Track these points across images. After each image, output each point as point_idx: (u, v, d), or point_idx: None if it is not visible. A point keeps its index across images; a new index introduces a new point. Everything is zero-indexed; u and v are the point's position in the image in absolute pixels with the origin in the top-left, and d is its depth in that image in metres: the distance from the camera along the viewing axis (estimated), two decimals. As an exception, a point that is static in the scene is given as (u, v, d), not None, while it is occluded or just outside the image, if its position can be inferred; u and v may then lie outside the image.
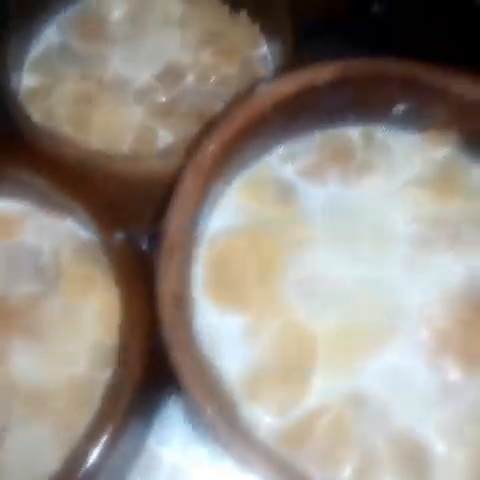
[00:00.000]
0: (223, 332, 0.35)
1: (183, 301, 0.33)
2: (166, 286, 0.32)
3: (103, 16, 0.51)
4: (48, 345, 0.38)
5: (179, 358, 0.31)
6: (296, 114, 0.38)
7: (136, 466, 0.40)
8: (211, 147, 0.34)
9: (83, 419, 0.34)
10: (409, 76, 0.38)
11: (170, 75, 0.49)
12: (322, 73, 0.37)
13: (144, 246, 0.39)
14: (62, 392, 0.37)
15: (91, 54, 0.49)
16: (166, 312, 0.32)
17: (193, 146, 0.34)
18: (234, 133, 0.35)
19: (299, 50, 0.47)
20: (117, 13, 0.51)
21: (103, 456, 0.32)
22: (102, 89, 0.47)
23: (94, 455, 0.32)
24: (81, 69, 0.48)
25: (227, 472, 0.33)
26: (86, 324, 0.39)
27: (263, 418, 0.34)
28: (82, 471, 0.32)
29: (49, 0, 0.49)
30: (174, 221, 0.32)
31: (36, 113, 0.45)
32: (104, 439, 0.32)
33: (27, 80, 0.47)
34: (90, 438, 0.32)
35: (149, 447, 0.40)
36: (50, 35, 0.49)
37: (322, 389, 0.34)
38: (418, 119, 0.41)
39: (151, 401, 0.38)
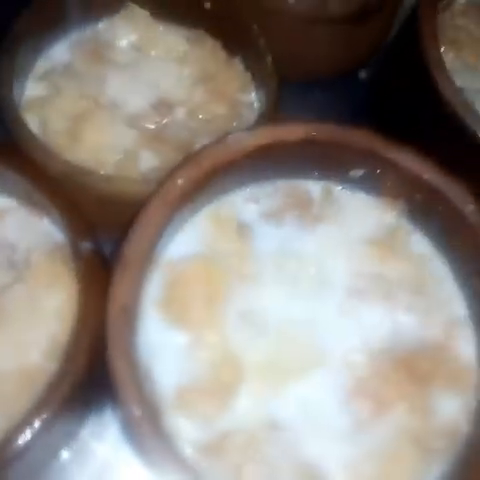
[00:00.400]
0: (165, 346, 0.39)
1: (130, 313, 0.36)
2: (116, 298, 0.36)
3: (110, 42, 0.55)
4: (7, 332, 0.42)
5: (116, 363, 0.35)
6: (263, 164, 0.43)
7: (67, 455, 0.43)
8: (180, 181, 0.38)
9: (27, 405, 0.38)
10: (367, 147, 0.43)
11: (163, 106, 0.53)
12: (292, 132, 0.41)
13: (108, 257, 0.43)
14: (12, 377, 0.40)
15: (93, 75, 0.53)
16: (112, 320, 0.36)
17: (165, 178, 0.39)
18: (204, 173, 0.39)
19: (281, 102, 0.52)
20: (124, 42, 0.56)
21: (33, 439, 0.35)
22: (97, 109, 0.51)
23: (23, 438, 0.35)
24: (81, 88, 0.52)
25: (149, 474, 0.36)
26: (45, 318, 0.42)
27: (186, 428, 0.38)
28: (9, 451, 0.35)
29: (62, 21, 0.53)
30: (133, 242, 0.37)
31: (33, 122, 0.49)
32: (35, 425, 0.36)
33: (29, 91, 0.51)
34: (23, 422, 0.36)
35: (83, 439, 0.43)
36: (58, 53, 0.54)
37: (243, 410, 0.38)
38: (372, 185, 0.45)
39: (89, 397, 0.41)
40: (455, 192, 0.42)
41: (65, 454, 0.43)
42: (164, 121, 0.53)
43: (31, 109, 0.50)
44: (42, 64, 0.53)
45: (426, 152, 0.43)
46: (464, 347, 0.42)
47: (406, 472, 0.38)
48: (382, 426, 0.39)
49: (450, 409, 0.40)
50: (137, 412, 0.34)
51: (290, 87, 0.55)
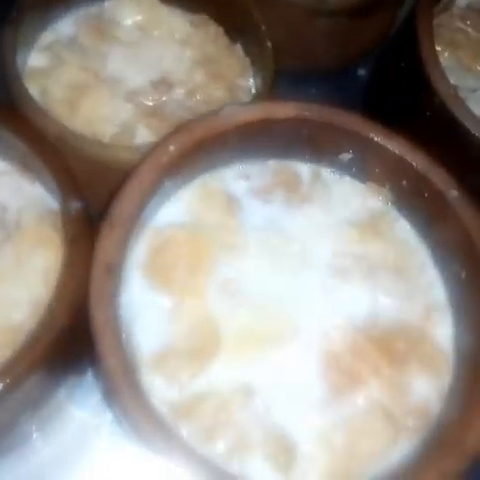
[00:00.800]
0: (146, 308, 0.40)
1: (114, 272, 0.37)
2: (101, 255, 0.37)
3: (115, 20, 0.57)
4: (-7, 289, 0.42)
5: (96, 317, 0.35)
6: (255, 141, 0.44)
7: (39, 415, 0.43)
8: (171, 147, 0.39)
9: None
10: (358, 130, 0.44)
11: (162, 84, 0.54)
12: (281, 109, 0.42)
13: (97, 220, 0.43)
14: (-3, 331, 0.41)
15: (96, 50, 0.54)
16: (96, 278, 0.36)
17: (156, 143, 0.40)
18: (195, 141, 0.40)
19: (278, 92, 0.53)
20: (129, 21, 0.57)
21: (2, 394, 0.36)
22: (98, 82, 0.52)
23: None
24: (83, 61, 0.53)
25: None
26: (31, 278, 0.43)
27: (162, 388, 0.38)
28: None
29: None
30: (121, 203, 0.37)
31: (34, 89, 0.50)
32: (7, 378, 0.36)
33: (33, 60, 0.53)
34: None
35: (59, 401, 0.44)
36: (64, 26, 0.55)
37: (218, 375, 0.39)
38: (361, 169, 0.46)
39: (69, 356, 0.42)
40: (440, 178, 0.43)
41: (41, 413, 0.43)
42: (162, 98, 0.54)
43: (34, 78, 0.51)
44: (47, 35, 0.54)
45: (415, 140, 0.44)
46: (441, 331, 0.43)
47: (375, 445, 0.38)
48: (355, 400, 0.40)
49: (423, 389, 0.41)
50: (113, 364, 0.34)
51: (288, 78, 0.56)
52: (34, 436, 0.45)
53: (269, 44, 0.53)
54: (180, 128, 0.41)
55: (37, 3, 0.53)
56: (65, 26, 0.55)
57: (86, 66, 0.53)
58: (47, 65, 0.53)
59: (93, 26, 0.56)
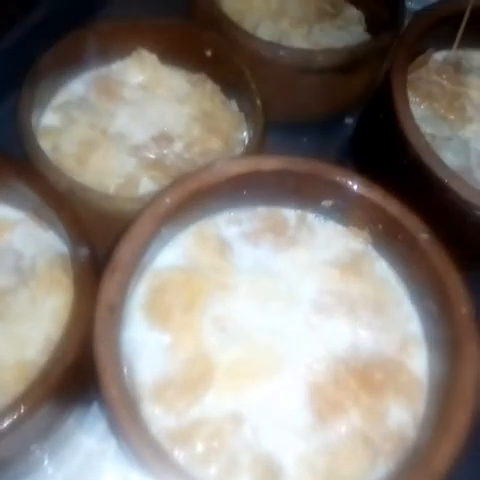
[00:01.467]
0: (146, 344, 0.44)
1: (116, 311, 0.42)
2: (104, 297, 0.41)
3: (121, 80, 0.62)
4: (10, 328, 0.47)
5: (100, 352, 0.39)
6: (244, 190, 0.49)
7: (50, 443, 0.47)
8: (167, 200, 0.44)
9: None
10: (337, 180, 0.49)
11: (163, 139, 0.60)
12: (267, 162, 0.47)
13: (103, 264, 0.48)
14: (11, 367, 0.45)
15: (104, 108, 0.60)
16: (99, 317, 0.41)
17: (155, 196, 0.45)
18: (189, 193, 0.45)
19: (270, 142, 0.59)
20: (133, 81, 0.63)
21: (16, 423, 0.40)
22: (105, 138, 0.57)
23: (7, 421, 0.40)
24: (92, 119, 0.58)
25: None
26: (43, 318, 0.47)
27: (160, 417, 0.42)
28: None
29: (79, 61, 0.61)
30: (122, 249, 0.42)
31: (47, 145, 0.55)
32: (23, 407, 0.40)
33: (46, 118, 0.58)
34: (9, 407, 0.40)
35: (68, 429, 0.48)
36: (75, 87, 0.61)
37: (211, 404, 0.43)
38: (342, 214, 0.51)
39: (77, 389, 0.46)
40: (412, 223, 0.47)
41: (52, 440, 0.47)
42: (163, 152, 0.59)
43: (47, 135, 0.56)
44: (60, 96, 0.60)
45: (394, 188, 0.49)
46: (416, 362, 0.47)
47: (355, 469, 0.42)
48: (336, 427, 0.43)
49: (399, 416, 0.44)
50: (115, 395, 0.38)
51: (281, 128, 0.61)
52: (45, 462, 0.49)
53: (259, 101, 0.59)
54: (176, 182, 0.46)
55: (52, 66, 0.59)
56: (76, 87, 0.61)
57: (95, 123, 0.58)
58: (59, 123, 0.58)
59: (101, 86, 0.61)
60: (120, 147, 0.58)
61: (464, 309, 0.44)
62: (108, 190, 0.55)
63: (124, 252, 0.42)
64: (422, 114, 0.60)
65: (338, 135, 0.72)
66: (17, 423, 0.40)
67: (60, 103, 0.60)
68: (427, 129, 0.58)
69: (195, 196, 0.46)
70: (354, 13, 0.76)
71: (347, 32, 0.73)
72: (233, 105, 0.63)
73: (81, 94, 0.61)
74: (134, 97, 0.62)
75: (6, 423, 0.40)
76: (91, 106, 0.60)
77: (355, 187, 0.48)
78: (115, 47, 0.63)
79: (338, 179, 0.49)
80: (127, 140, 0.59)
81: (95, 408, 0.50)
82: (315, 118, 0.70)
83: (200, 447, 0.41)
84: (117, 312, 0.42)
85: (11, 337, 0.47)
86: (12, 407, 0.41)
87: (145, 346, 0.44)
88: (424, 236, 0.46)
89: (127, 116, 0.61)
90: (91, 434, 0.50)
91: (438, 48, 0.66)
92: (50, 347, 0.45)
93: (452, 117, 0.62)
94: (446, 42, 0.65)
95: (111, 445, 0.50)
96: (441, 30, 0.63)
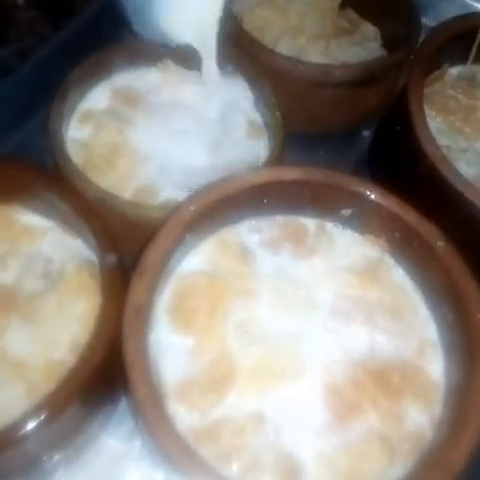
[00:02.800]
0: (171, 346, 0.46)
1: (144, 314, 0.43)
2: (132, 299, 0.43)
3: (147, 90, 0.65)
4: (39, 330, 0.49)
5: (128, 352, 0.41)
6: (264, 200, 0.51)
7: (76, 445, 0.49)
8: (192, 207, 0.46)
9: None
10: (355, 190, 0.50)
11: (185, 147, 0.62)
12: (287, 172, 0.49)
13: (129, 270, 0.50)
14: (40, 368, 0.47)
15: (128, 117, 0.62)
16: (128, 318, 0.43)
17: (180, 203, 0.47)
18: (212, 202, 0.47)
19: (289, 154, 0.60)
20: (158, 90, 0.65)
21: (41, 426, 0.41)
22: (130, 144, 0.60)
23: (32, 424, 0.41)
24: (118, 126, 0.61)
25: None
26: (72, 320, 0.49)
27: (184, 416, 0.44)
28: (17, 435, 0.41)
29: (107, 73, 0.64)
30: (150, 254, 0.44)
31: (76, 153, 0.57)
32: (44, 412, 0.42)
33: (75, 128, 0.61)
34: (32, 410, 0.42)
35: (93, 432, 0.49)
36: (102, 96, 0.63)
37: (234, 404, 0.44)
38: (359, 223, 0.53)
39: (103, 388, 0.48)
40: (428, 231, 0.49)
41: (76, 442, 0.49)
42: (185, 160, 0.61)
43: (75, 144, 0.59)
44: (87, 105, 0.62)
45: (410, 198, 0.50)
46: (433, 366, 0.48)
47: (374, 468, 0.43)
48: (355, 427, 0.45)
49: (417, 418, 0.46)
50: (143, 393, 0.40)
51: (298, 141, 0.63)
52: (68, 464, 0.50)
53: (278, 114, 0.61)
54: (200, 191, 0.48)
55: (80, 80, 0.61)
56: (103, 96, 0.63)
57: (120, 131, 0.61)
58: (87, 130, 0.61)
59: (127, 96, 0.64)
60: (143, 153, 0.60)
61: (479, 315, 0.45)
62: (132, 192, 0.57)
63: (152, 257, 0.44)
64: (438, 127, 0.62)
65: (354, 147, 0.74)
66: (45, 423, 0.42)
67: (88, 112, 0.62)
68: (443, 141, 0.59)
69: (218, 204, 0.48)
70: (370, 30, 0.78)
71: (363, 48, 0.75)
72: (254, 117, 0.65)
73: (107, 103, 0.64)
74: (159, 106, 0.64)
75: (34, 423, 0.41)
76: (117, 114, 0.62)
77: (372, 196, 0.50)
78: (141, 61, 0.66)
79: (356, 189, 0.50)
80: (151, 148, 0.61)
81: (120, 410, 0.52)
82: (332, 131, 0.72)
83: (223, 445, 0.43)
84: (144, 313, 0.43)
85: (40, 339, 0.48)
86: (42, 404, 0.42)
87: (170, 348, 0.46)
88: (440, 244, 0.48)
89: (151, 124, 0.63)
90: (115, 435, 0.52)
91: (453, 63, 0.68)
92: (77, 349, 0.46)
93: (468, 130, 0.63)
94: (461, 57, 0.67)
95: (135, 446, 0.51)
96: (456, 46, 0.65)
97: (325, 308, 0.50)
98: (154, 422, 0.40)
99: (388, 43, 0.76)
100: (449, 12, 0.86)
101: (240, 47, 0.66)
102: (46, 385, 0.45)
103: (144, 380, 0.41)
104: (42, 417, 0.42)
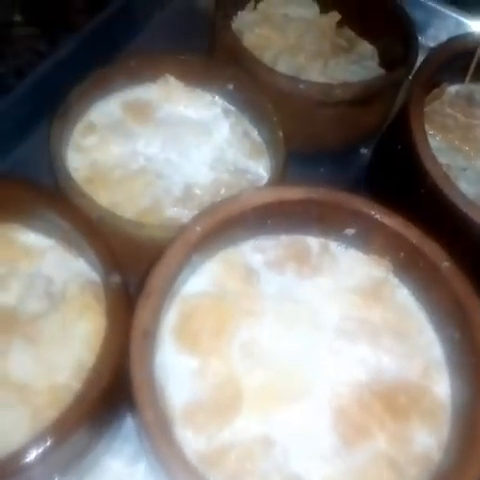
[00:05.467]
0: (177, 368, 0.46)
1: (150, 336, 0.43)
2: (139, 322, 0.43)
3: (149, 105, 0.65)
4: (42, 352, 0.48)
5: (136, 375, 0.41)
6: (269, 219, 0.50)
7: (80, 468, 0.48)
8: (198, 228, 0.46)
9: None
10: (359, 210, 0.50)
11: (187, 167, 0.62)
12: (291, 192, 0.49)
13: (133, 291, 0.49)
14: (44, 391, 0.46)
15: (132, 131, 0.62)
16: (135, 342, 0.42)
17: (185, 224, 0.46)
18: (218, 222, 0.47)
19: (290, 172, 0.61)
20: (160, 105, 0.65)
21: (46, 453, 0.40)
22: (134, 160, 0.60)
23: (36, 451, 0.40)
24: (121, 141, 0.61)
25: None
26: (75, 343, 0.48)
27: (191, 440, 0.43)
28: (19, 463, 0.40)
29: (110, 88, 0.64)
30: (156, 276, 0.44)
31: (80, 171, 0.57)
32: (48, 440, 0.41)
33: (77, 140, 0.61)
34: (37, 437, 0.41)
35: (97, 455, 0.49)
36: (104, 111, 0.63)
37: (241, 427, 0.44)
38: (363, 242, 0.53)
39: (110, 411, 0.47)
40: (433, 251, 0.49)
41: (81, 465, 0.48)
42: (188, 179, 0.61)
43: (79, 155, 0.59)
44: (90, 120, 0.62)
45: (411, 216, 0.51)
46: (439, 387, 0.48)
47: (382, 492, 0.43)
48: (363, 450, 0.44)
49: (424, 440, 0.45)
50: (150, 417, 0.40)
51: (299, 159, 0.63)
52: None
53: (281, 133, 0.61)
54: (205, 211, 0.48)
55: (81, 98, 0.61)
56: (106, 109, 0.63)
57: (124, 146, 0.60)
58: (90, 144, 0.60)
59: (131, 110, 0.64)
60: (148, 170, 0.60)
61: (486, 335, 0.45)
62: (136, 211, 0.57)
63: (158, 278, 0.44)
64: (437, 145, 0.62)
65: (354, 165, 0.74)
66: (50, 450, 0.41)
67: (90, 126, 0.62)
68: (442, 160, 0.60)
69: (223, 225, 0.48)
70: (367, 48, 0.78)
71: (361, 66, 0.76)
72: (255, 136, 0.65)
73: (110, 118, 0.64)
74: (159, 122, 0.64)
75: (39, 450, 0.41)
76: (120, 128, 0.62)
77: (377, 216, 0.50)
78: (141, 78, 0.66)
79: (360, 208, 0.50)
80: (155, 163, 0.61)
81: (124, 431, 0.51)
82: (331, 148, 0.72)
83: (231, 469, 0.42)
84: (151, 336, 0.43)
85: (43, 361, 0.48)
86: (47, 431, 0.41)
87: (175, 370, 0.45)
88: (446, 264, 0.48)
89: (153, 139, 0.63)
90: (120, 457, 0.51)
91: (451, 82, 0.68)
92: (82, 372, 0.46)
93: (467, 148, 0.64)
94: (459, 76, 0.68)
95: (139, 469, 0.50)
96: (454, 65, 0.66)
97: (330, 329, 0.49)
98: (161, 447, 0.40)
99: (385, 61, 0.77)
100: (443, 30, 0.88)
101: (240, 66, 0.66)
102: (50, 410, 0.44)
103: (151, 404, 0.40)
104: (47, 444, 0.41)
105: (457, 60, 0.66)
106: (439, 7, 0.87)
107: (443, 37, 0.78)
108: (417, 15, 0.78)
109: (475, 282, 0.48)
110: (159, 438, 0.40)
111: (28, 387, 0.46)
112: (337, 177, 0.72)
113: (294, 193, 0.49)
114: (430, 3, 0.87)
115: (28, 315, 0.50)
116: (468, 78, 0.68)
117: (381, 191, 0.65)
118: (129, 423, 0.50)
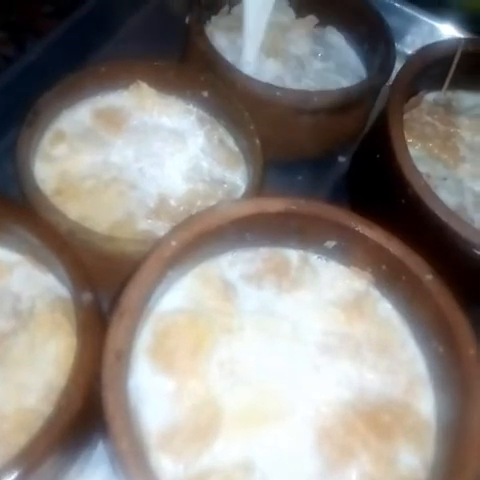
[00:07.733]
0: (152, 391, 0.43)
1: (124, 357, 0.41)
2: (112, 342, 0.40)
3: (119, 113, 0.63)
4: (8, 373, 0.45)
5: (109, 402, 0.38)
6: (247, 232, 0.49)
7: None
8: (173, 243, 0.44)
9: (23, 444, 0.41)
10: (340, 221, 0.49)
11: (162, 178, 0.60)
12: (270, 204, 0.47)
13: (106, 309, 0.47)
14: (10, 417, 0.44)
15: (102, 140, 0.60)
16: (107, 364, 0.40)
17: (160, 239, 0.44)
18: (194, 236, 0.45)
19: (268, 181, 0.59)
20: (131, 113, 0.63)
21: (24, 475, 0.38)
22: (105, 170, 0.57)
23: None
24: (91, 150, 0.58)
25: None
26: (44, 364, 0.46)
27: (168, 467, 0.41)
28: None
29: (79, 96, 0.61)
30: (129, 294, 0.42)
31: (48, 178, 0.55)
32: (16, 469, 0.38)
33: (47, 149, 0.58)
34: (12, 461, 0.38)
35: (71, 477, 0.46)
36: (73, 119, 0.61)
37: (221, 451, 0.42)
38: (344, 255, 0.51)
39: (82, 435, 0.45)
40: (415, 263, 0.47)
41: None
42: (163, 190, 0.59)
43: (47, 165, 0.56)
44: (59, 128, 0.60)
45: (391, 227, 0.49)
46: (423, 403, 0.46)
47: (367, 516, 0.41)
48: (347, 472, 0.43)
49: (409, 460, 0.44)
50: (124, 446, 0.37)
51: (276, 167, 0.62)
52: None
53: (258, 141, 0.59)
54: (180, 225, 0.45)
55: (50, 106, 0.59)
56: (76, 117, 0.61)
57: (94, 155, 0.58)
58: (59, 154, 0.58)
59: (101, 118, 0.61)
60: (119, 180, 0.58)
61: (471, 350, 0.44)
62: (107, 224, 0.54)
63: (132, 296, 0.41)
64: (417, 154, 0.61)
65: (332, 173, 0.73)
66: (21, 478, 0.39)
67: (58, 135, 0.60)
68: (422, 169, 0.59)
69: (200, 238, 0.46)
70: (345, 54, 0.77)
71: (338, 73, 0.74)
72: (231, 145, 0.64)
73: (79, 126, 0.61)
74: (132, 130, 0.62)
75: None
76: (89, 137, 0.60)
77: (358, 228, 0.49)
78: (112, 85, 0.64)
79: (341, 220, 0.49)
80: (127, 173, 0.59)
81: (97, 452, 0.49)
82: (309, 156, 0.71)
83: (210, 497, 0.40)
84: (124, 358, 0.41)
85: (10, 383, 0.45)
86: (15, 460, 0.39)
87: (151, 393, 0.43)
88: (428, 277, 0.47)
89: (125, 149, 0.61)
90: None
91: (429, 89, 0.67)
92: (51, 394, 0.44)
93: (446, 157, 0.63)
94: (437, 84, 0.67)
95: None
96: (432, 72, 0.65)
97: (312, 344, 0.48)
98: (137, 476, 0.37)
99: (363, 68, 0.76)
100: (419, 37, 0.87)
101: (215, 72, 0.64)
102: (18, 436, 0.42)
103: (125, 432, 0.38)
104: (15, 475, 0.38)
105: (434, 67, 0.65)
106: (415, 13, 0.87)
107: (419, 44, 0.78)
108: (393, 22, 0.77)
109: (457, 293, 0.47)
110: (134, 467, 0.37)
111: (-8, 411, 0.44)
112: (315, 185, 0.70)
113: (273, 205, 0.47)
114: (407, 9, 0.86)
115: (-6, 335, 0.47)
116: (445, 86, 0.67)
117: (360, 200, 0.64)
118: (101, 446, 0.48)
